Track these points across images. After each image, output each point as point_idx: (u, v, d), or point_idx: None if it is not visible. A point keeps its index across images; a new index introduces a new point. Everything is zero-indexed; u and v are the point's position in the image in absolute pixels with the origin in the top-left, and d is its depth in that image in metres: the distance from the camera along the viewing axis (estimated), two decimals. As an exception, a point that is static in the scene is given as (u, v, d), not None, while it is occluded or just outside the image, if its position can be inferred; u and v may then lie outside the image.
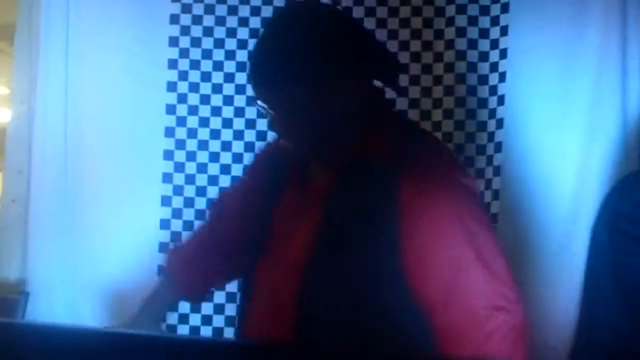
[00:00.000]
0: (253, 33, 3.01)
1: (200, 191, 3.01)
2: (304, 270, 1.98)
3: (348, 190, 1.99)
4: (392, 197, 1.93)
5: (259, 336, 2.00)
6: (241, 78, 2.99)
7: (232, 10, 3.03)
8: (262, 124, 2.94)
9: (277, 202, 2.09)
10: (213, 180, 3.01)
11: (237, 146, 3.02)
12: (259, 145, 2.91)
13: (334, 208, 1.99)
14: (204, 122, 3.03)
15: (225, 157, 3.02)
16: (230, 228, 2.23)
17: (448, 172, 2.04)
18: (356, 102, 2.00)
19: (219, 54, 3.03)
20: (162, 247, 2.96)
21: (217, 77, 3.03)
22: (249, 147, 3.01)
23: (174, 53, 3.02)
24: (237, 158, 3.01)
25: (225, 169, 3.01)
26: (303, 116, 1.96)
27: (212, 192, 2.96)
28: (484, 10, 2.94)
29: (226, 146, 3.02)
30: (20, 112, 3.05)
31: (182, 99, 3.01)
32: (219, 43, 3.03)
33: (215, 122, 3.03)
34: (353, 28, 2.06)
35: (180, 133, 3.03)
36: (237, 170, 2.99)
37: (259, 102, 2.01)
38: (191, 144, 3.03)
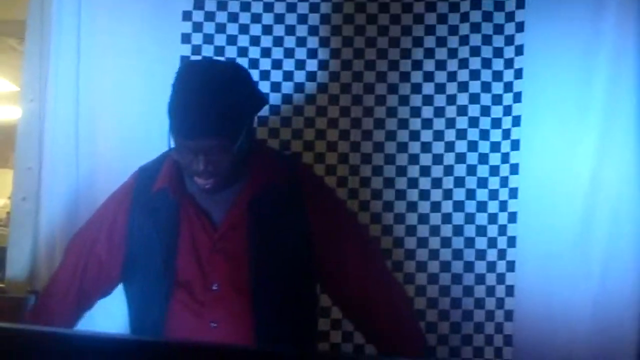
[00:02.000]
0: (266, 29, 3.00)
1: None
2: (252, 286, 2.31)
3: (269, 209, 2.33)
4: (302, 208, 2.36)
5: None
6: (254, 76, 2.96)
7: (245, 7, 3.01)
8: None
9: (175, 242, 2.33)
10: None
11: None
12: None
13: (260, 227, 2.32)
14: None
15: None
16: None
17: (322, 181, 2.71)
18: (254, 135, 2.46)
19: (231, 51, 3.01)
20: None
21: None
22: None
23: (186, 50, 3.00)
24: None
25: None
26: (227, 156, 2.25)
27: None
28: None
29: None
30: (31, 109, 3.03)
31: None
32: (232, 40, 3.01)
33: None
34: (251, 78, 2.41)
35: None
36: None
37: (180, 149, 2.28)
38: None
